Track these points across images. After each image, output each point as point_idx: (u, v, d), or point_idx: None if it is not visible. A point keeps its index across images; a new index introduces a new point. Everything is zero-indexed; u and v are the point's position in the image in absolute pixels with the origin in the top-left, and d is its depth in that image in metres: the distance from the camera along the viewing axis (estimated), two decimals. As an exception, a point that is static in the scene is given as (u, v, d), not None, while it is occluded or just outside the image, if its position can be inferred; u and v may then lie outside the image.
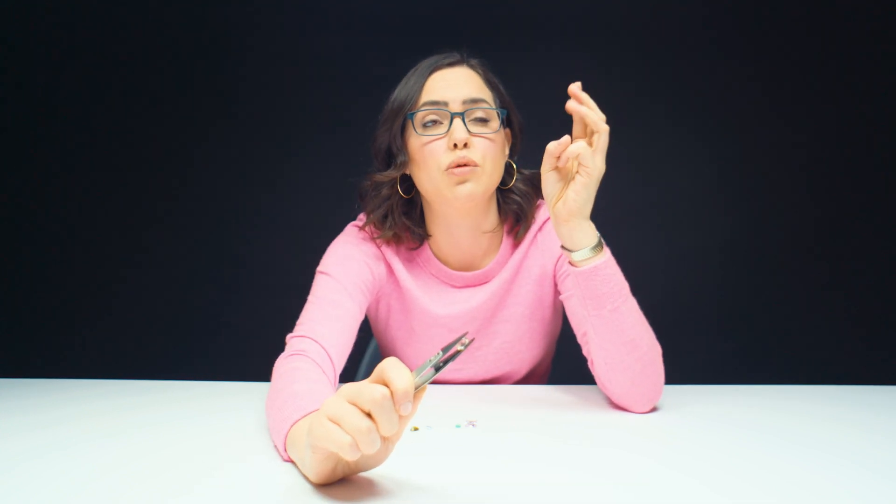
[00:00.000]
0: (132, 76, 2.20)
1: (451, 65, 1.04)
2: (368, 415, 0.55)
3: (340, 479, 0.65)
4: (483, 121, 1.00)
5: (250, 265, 2.22)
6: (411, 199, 1.09)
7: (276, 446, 0.75)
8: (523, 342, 1.14)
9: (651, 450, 0.76)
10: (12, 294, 2.25)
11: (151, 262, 2.23)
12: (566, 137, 0.85)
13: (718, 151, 2.19)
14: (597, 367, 0.94)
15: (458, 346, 0.58)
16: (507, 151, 1.08)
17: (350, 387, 0.58)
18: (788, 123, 2.16)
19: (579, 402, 0.99)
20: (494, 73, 1.08)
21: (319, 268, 1.05)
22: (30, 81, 2.20)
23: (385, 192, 1.06)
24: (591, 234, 0.88)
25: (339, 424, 0.56)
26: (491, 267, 1.10)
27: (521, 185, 1.09)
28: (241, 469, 0.70)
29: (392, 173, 1.04)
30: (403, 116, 1.02)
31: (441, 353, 0.57)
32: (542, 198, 1.13)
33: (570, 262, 0.89)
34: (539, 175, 1.04)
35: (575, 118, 0.86)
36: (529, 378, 1.20)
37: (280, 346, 0.94)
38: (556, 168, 0.87)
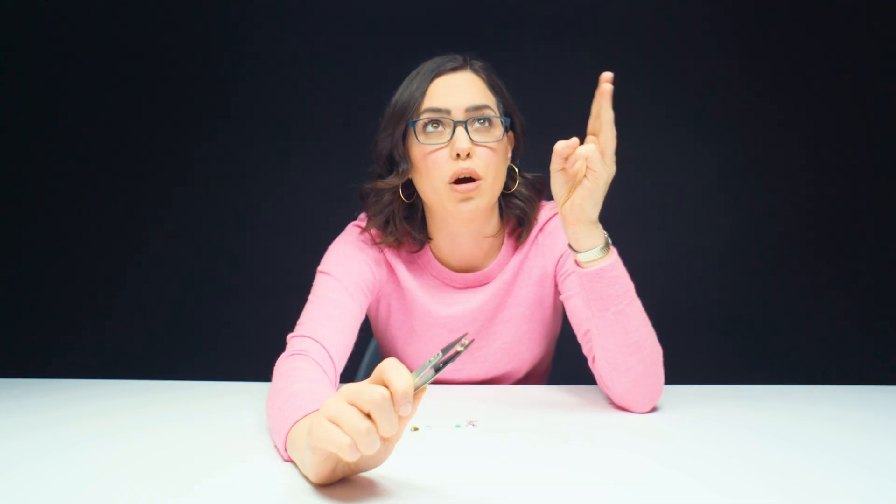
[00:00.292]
0: (132, 76, 2.20)
1: (453, 69, 1.01)
2: (368, 415, 0.55)
3: (340, 480, 0.65)
4: (487, 128, 0.99)
5: (250, 265, 2.22)
6: (412, 203, 1.08)
7: (276, 446, 0.75)
8: (523, 342, 1.14)
9: (651, 450, 0.76)
10: (12, 294, 2.25)
11: (151, 262, 2.23)
12: (574, 139, 0.82)
13: (718, 151, 2.19)
14: (599, 367, 0.94)
15: (458, 347, 0.58)
16: (509, 155, 1.06)
17: (350, 387, 0.57)
18: (788, 123, 2.16)
19: (579, 402, 0.99)
20: (497, 76, 1.06)
21: (320, 267, 1.05)
22: (30, 81, 2.20)
23: (387, 197, 1.06)
24: (597, 236, 0.87)
25: (338, 425, 0.56)
26: (491, 268, 1.10)
27: (523, 190, 1.09)
28: (241, 469, 0.70)
29: (394, 181, 1.03)
30: (405, 123, 1.00)
31: (441, 353, 0.57)
32: (544, 200, 1.13)
33: (576, 262, 0.89)
34: (541, 178, 1.05)
35: (594, 112, 0.82)
36: (529, 378, 1.20)
37: (280, 346, 0.94)
38: (564, 169, 0.85)
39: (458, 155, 0.96)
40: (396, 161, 1.03)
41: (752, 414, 0.93)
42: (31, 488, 0.65)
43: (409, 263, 1.11)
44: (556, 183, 0.86)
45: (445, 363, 0.57)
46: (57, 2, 2.17)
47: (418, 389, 0.57)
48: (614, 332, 0.89)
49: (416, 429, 0.84)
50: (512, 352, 1.14)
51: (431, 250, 1.11)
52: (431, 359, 0.57)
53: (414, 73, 1.03)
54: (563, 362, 1.31)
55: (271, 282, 2.15)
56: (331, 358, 0.92)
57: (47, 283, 2.24)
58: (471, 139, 0.96)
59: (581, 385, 1.08)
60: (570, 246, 0.89)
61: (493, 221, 1.09)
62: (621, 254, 0.91)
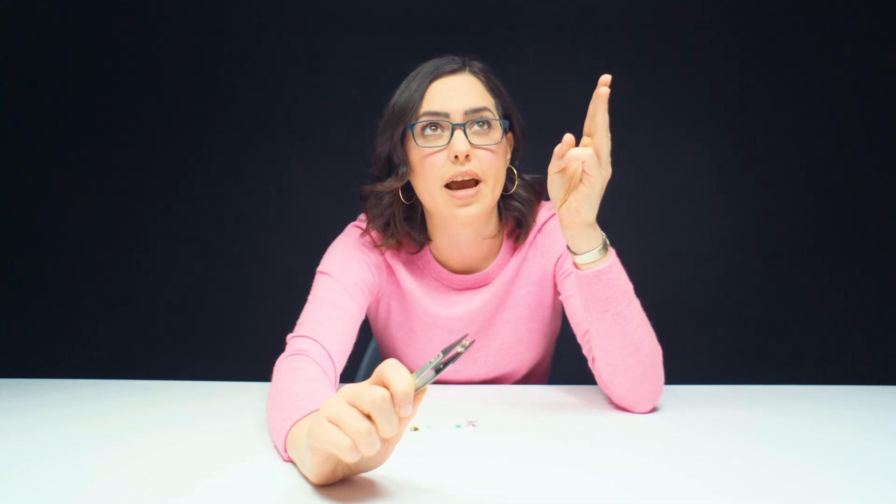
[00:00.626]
0: (132, 77, 2.20)
1: (452, 72, 1.00)
2: (368, 416, 0.55)
3: (340, 480, 0.65)
4: (486, 130, 0.98)
5: (250, 265, 2.22)
6: (412, 204, 1.08)
7: (276, 446, 0.75)
8: (523, 343, 1.14)
9: (651, 450, 0.76)
10: (12, 294, 2.25)
11: (152, 262, 2.23)
12: (569, 136, 0.81)
13: (718, 151, 2.19)
14: (598, 367, 0.94)
15: (459, 348, 0.58)
16: (508, 157, 1.06)
17: (350, 388, 0.57)
18: (789, 123, 2.16)
19: (579, 402, 0.99)
20: (497, 77, 1.05)
21: (320, 268, 1.05)
22: (30, 82, 2.20)
23: (386, 200, 1.05)
24: (595, 238, 0.87)
25: (338, 426, 0.56)
26: (491, 269, 1.10)
27: (522, 192, 1.08)
28: (241, 469, 0.70)
29: (393, 184, 1.02)
30: (404, 126, 0.99)
31: (441, 354, 0.57)
32: (543, 200, 1.13)
33: (574, 264, 0.89)
34: (540, 179, 1.05)
35: (590, 113, 0.81)
36: (529, 377, 1.20)
37: (280, 346, 0.94)
38: (562, 171, 0.84)
39: (456, 157, 0.95)
40: (395, 164, 1.02)
41: (752, 414, 0.93)
42: (31, 488, 0.65)
43: (409, 265, 1.11)
44: (553, 185, 0.86)
45: (446, 364, 0.57)
46: (57, 2, 2.17)
47: (419, 390, 0.57)
48: (613, 334, 0.89)
49: (416, 429, 0.84)
50: (511, 352, 1.14)
51: (431, 252, 1.11)
52: (432, 360, 0.57)
53: (412, 75, 1.03)
54: (563, 362, 1.31)
55: (271, 282, 2.15)
56: (330, 358, 0.92)
57: (47, 283, 2.24)
58: (469, 142, 0.96)
59: (581, 385, 1.08)
60: (568, 248, 0.89)
61: (492, 223, 1.09)
62: (622, 254, 0.91)
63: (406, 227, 1.07)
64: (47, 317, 2.25)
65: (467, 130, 0.96)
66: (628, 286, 0.89)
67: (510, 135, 1.06)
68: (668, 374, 0.95)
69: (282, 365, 0.88)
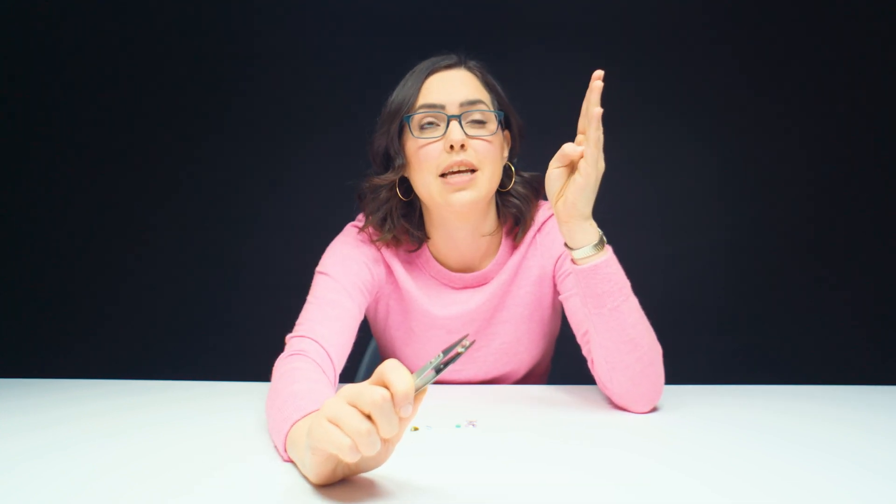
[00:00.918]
0: (131, 77, 2.20)
1: (448, 67, 1.03)
2: (368, 417, 0.55)
3: (340, 480, 0.65)
4: (481, 123, 1.00)
5: (250, 265, 2.22)
6: (410, 201, 1.09)
7: (276, 446, 0.75)
8: (522, 343, 1.14)
9: (651, 450, 0.76)
10: (12, 294, 2.25)
11: (151, 262, 2.23)
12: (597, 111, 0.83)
13: (718, 151, 2.19)
14: (597, 366, 0.94)
15: (459, 349, 0.58)
16: (506, 154, 1.07)
17: (350, 388, 0.57)
18: (789, 123, 2.16)
19: (579, 402, 0.99)
20: (493, 76, 1.07)
21: (319, 268, 1.05)
22: (30, 82, 2.20)
23: (384, 194, 1.06)
24: (591, 233, 0.88)
25: (338, 426, 0.56)
26: (490, 268, 1.10)
27: (520, 188, 1.09)
28: (241, 469, 0.70)
29: (390, 176, 1.04)
30: (400, 119, 1.01)
31: (441, 355, 0.57)
32: (541, 199, 1.13)
33: (571, 260, 0.90)
34: (538, 177, 1.05)
35: (584, 110, 0.84)
36: (529, 378, 1.20)
37: (280, 346, 0.94)
38: (563, 167, 0.86)
39: (451, 147, 0.96)
40: (392, 157, 1.04)
41: (752, 414, 0.93)
42: (31, 488, 0.65)
43: (407, 264, 1.11)
44: (552, 180, 0.87)
45: (446, 364, 0.57)
46: (57, 2, 2.17)
47: (419, 391, 0.57)
48: (611, 329, 0.89)
49: (416, 429, 0.84)
50: (511, 352, 1.14)
51: (429, 250, 1.11)
52: (432, 360, 0.57)
53: (409, 73, 1.05)
54: (563, 362, 1.30)
55: (271, 282, 2.15)
56: (330, 358, 0.92)
57: (47, 283, 2.24)
58: (465, 132, 0.97)
59: (581, 385, 1.08)
60: (566, 244, 0.90)
61: (490, 219, 1.09)
62: (623, 254, 0.91)
63: (404, 224, 1.07)
64: (47, 317, 2.25)
65: (463, 122, 0.98)
66: (625, 283, 0.90)
67: (507, 132, 1.07)
68: (668, 374, 0.95)
69: (281, 365, 0.88)
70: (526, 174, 1.10)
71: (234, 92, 2.21)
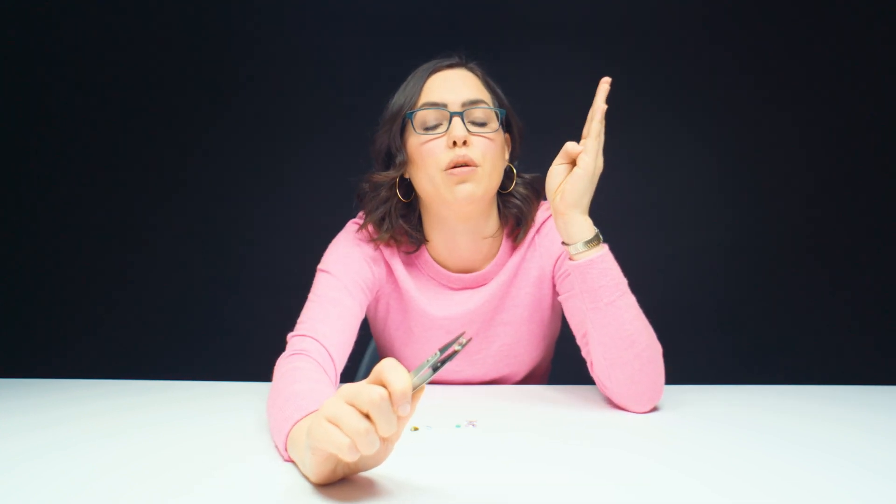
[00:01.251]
0: (131, 76, 2.20)
1: (450, 66, 1.05)
2: (367, 416, 0.55)
3: (340, 480, 0.65)
4: (482, 122, 1.01)
5: (250, 265, 2.22)
6: (410, 203, 1.09)
7: (276, 446, 0.75)
8: (522, 344, 1.14)
9: (651, 450, 0.76)
10: (12, 294, 2.25)
11: (151, 262, 2.23)
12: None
13: (718, 151, 2.19)
14: (596, 365, 0.94)
15: (456, 346, 0.57)
16: (506, 155, 1.08)
17: (348, 388, 0.58)
18: (789, 123, 2.16)
19: (579, 402, 0.99)
20: (493, 78, 1.08)
21: (320, 266, 1.05)
22: (30, 82, 2.20)
23: (384, 193, 1.06)
24: (586, 228, 0.90)
25: (337, 426, 0.56)
26: (489, 269, 1.10)
27: (521, 189, 1.09)
28: (241, 469, 0.70)
29: (391, 174, 1.04)
30: (403, 117, 1.02)
31: (439, 353, 0.57)
32: (542, 200, 1.13)
33: (568, 256, 0.92)
34: (539, 178, 1.07)
35: (591, 114, 0.89)
36: (529, 379, 1.20)
37: (280, 346, 0.93)
38: (566, 164, 0.90)
39: (454, 143, 0.97)
40: (393, 154, 1.04)
41: (752, 414, 0.93)
42: (31, 488, 0.65)
43: (407, 264, 1.11)
44: (553, 175, 0.91)
45: (443, 362, 0.57)
46: (57, 2, 2.17)
47: (416, 389, 0.57)
48: (607, 325, 0.90)
49: (416, 429, 0.84)
50: (511, 354, 1.14)
51: (428, 251, 1.11)
52: (430, 358, 0.57)
53: (411, 75, 1.06)
54: (563, 363, 1.30)
55: (271, 282, 2.15)
56: (331, 357, 0.92)
57: (47, 283, 2.24)
58: (467, 129, 0.98)
59: (581, 385, 1.08)
60: (563, 242, 0.92)
61: (492, 221, 1.09)
62: (623, 254, 0.92)
63: (402, 225, 1.07)
64: (47, 317, 2.25)
65: (465, 119, 0.99)
66: (621, 280, 0.91)
67: (507, 135, 1.08)
68: (668, 374, 0.95)
69: (282, 364, 0.88)
70: (527, 175, 1.11)
71: (234, 92, 2.21)
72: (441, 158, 0.98)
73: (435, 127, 1.00)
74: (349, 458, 0.55)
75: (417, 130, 1.01)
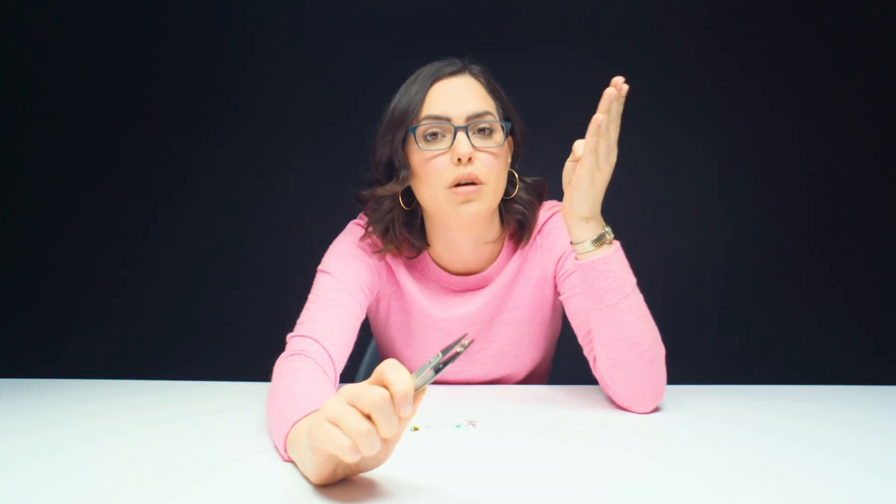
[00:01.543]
0: (131, 76, 2.20)
1: (452, 74, 1.00)
2: (368, 417, 0.55)
3: (341, 480, 0.65)
4: (488, 133, 0.98)
5: (250, 265, 2.22)
6: (412, 210, 1.07)
7: (276, 447, 0.75)
8: (522, 345, 1.14)
9: (651, 450, 0.77)
10: (12, 294, 2.25)
11: (151, 262, 2.23)
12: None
13: (718, 151, 2.19)
14: (599, 365, 0.94)
15: (458, 348, 0.57)
16: (509, 161, 1.05)
17: (349, 388, 0.57)
18: (789, 123, 2.16)
19: (579, 402, 0.99)
20: (496, 80, 1.04)
21: (321, 266, 1.05)
22: (30, 82, 2.20)
23: (387, 205, 1.04)
24: (591, 231, 0.89)
25: (338, 426, 0.56)
26: (490, 271, 1.10)
27: (523, 195, 1.08)
28: (241, 469, 0.70)
29: (395, 188, 1.02)
30: (405, 130, 0.99)
31: (441, 354, 0.57)
32: (544, 202, 1.13)
33: (575, 255, 0.92)
34: (541, 182, 1.07)
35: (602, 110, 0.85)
36: (529, 379, 1.20)
37: (280, 346, 0.93)
38: (574, 161, 0.89)
39: (458, 160, 0.95)
40: (396, 168, 1.01)
41: (752, 414, 0.93)
42: (31, 488, 0.65)
43: (409, 266, 1.11)
44: (565, 171, 0.90)
45: (445, 364, 0.57)
46: (57, 1, 2.17)
47: (418, 390, 0.57)
48: (610, 326, 0.90)
49: (416, 429, 0.84)
50: (511, 354, 1.14)
51: (430, 255, 1.10)
52: (431, 359, 0.57)
53: (412, 78, 1.02)
54: (563, 363, 1.30)
55: (271, 282, 2.15)
56: (331, 358, 0.92)
57: (47, 283, 2.24)
58: (472, 144, 0.96)
59: (581, 385, 1.08)
60: (570, 241, 0.92)
61: (494, 227, 1.08)
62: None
63: (405, 233, 1.06)
64: (47, 317, 2.25)
65: (469, 133, 0.96)
66: (627, 281, 0.90)
67: (510, 138, 1.06)
68: (669, 374, 0.95)
69: (281, 365, 0.88)
70: (529, 179, 1.09)
71: (234, 92, 2.21)
72: (445, 176, 0.96)
73: (438, 140, 0.97)
74: (350, 458, 0.55)
75: (420, 145, 0.98)
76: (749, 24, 2.15)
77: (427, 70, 1.01)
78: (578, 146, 0.87)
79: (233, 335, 2.20)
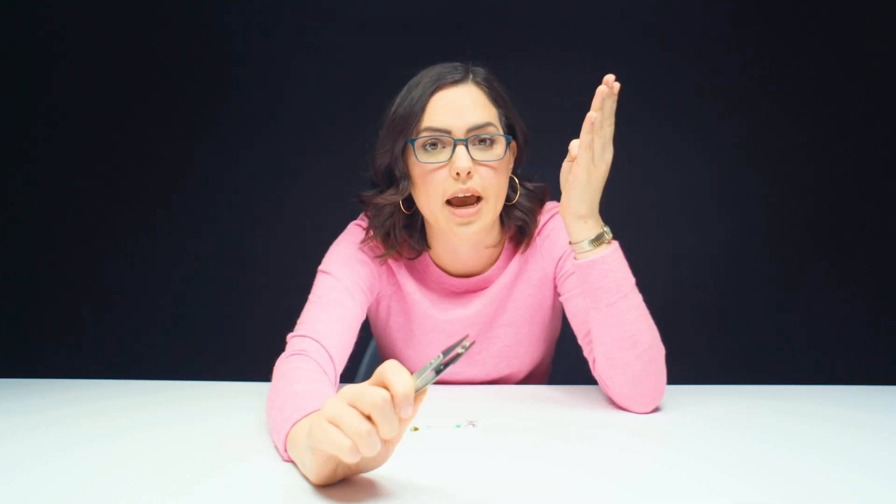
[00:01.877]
0: (131, 77, 2.20)
1: (454, 82, 0.97)
2: (368, 417, 0.55)
3: (341, 480, 0.65)
4: (489, 145, 0.96)
5: (250, 265, 2.22)
6: (412, 213, 1.06)
7: (276, 447, 0.75)
8: (523, 346, 1.14)
9: (651, 450, 0.77)
10: (12, 294, 2.25)
11: (151, 263, 2.23)
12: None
13: (718, 151, 2.19)
14: (598, 364, 0.94)
15: (459, 349, 0.57)
16: (511, 167, 1.04)
17: (350, 389, 0.57)
18: (789, 123, 2.16)
19: (579, 402, 0.99)
20: (500, 85, 1.02)
21: (321, 267, 1.05)
22: (30, 82, 2.20)
23: (387, 211, 1.04)
24: (588, 230, 0.90)
25: (338, 427, 0.56)
26: (491, 272, 1.10)
27: (525, 201, 1.07)
28: (241, 469, 0.70)
29: (395, 197, 1.01)
30: (405, 140, 0.97)
31: (442, 355, 0.57)
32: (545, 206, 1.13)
33: (574, 255, 0.92)
34: (543, 188, 1.07)
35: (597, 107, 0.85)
36: (530, 379, 1.20)
37: (280, 346, 0.93)
38: (571, 161, 0.89)
39: (458, 174, 0.94)
40: (396, 177, 1.01)
41: (752, 414, 0.93)
42: (31, 488, 0.65)
43: (409, 267, 1.11)
44: (562, 171, 0.91)
45: (446, 365, 0.57)
46: (57, 1, 2.17)
47: (419, 391, 0.57)
48: (609, 325, 0.90)
49: (416, 429, 0.84)
50: (511, 355, 1.14)
51: (430, 257, 1.10)
52: (432, 360, 0.57)
53: (414, 81, 1.00)
54: (563, 363, 1.30)
55: (271, 282, 2.15)
56: (331, 358, 0.92)
57: (47, 283, 2.24)
58: (472, 158, 0.94)
59: (581, 385, 1.08)
60: (569, 241, 0.93)
61: (494, 233, 1.08)
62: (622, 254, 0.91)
63: (405, 237, 1.06)
64: (47, 317, 2.25)
65: (469, 146, 0.95)
66: (626, 280, 0.90)
67: (513, 143, 1.04)
68: (669, 373, 0.95)
69: (282, 365, 0.88)
70: (531, 185, 1.08)
71: (234, 92, 2.21)
72: (444, 189, 0.95)
73: (438, 151, 0.96)
74: (350, 459, 0.55)
75: (419, 157, 0.96)
76: (749, 24, 2.14)
77: (429, 76, 0.99)
78: (574, 146, 0.88)
79: (233, 335, 2.20)
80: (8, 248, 2.24)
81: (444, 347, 1.08)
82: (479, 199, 0.96)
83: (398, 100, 1.00)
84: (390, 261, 1.09)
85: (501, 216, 1.08)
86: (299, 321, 0.97)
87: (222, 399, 1.03)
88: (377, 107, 1.06)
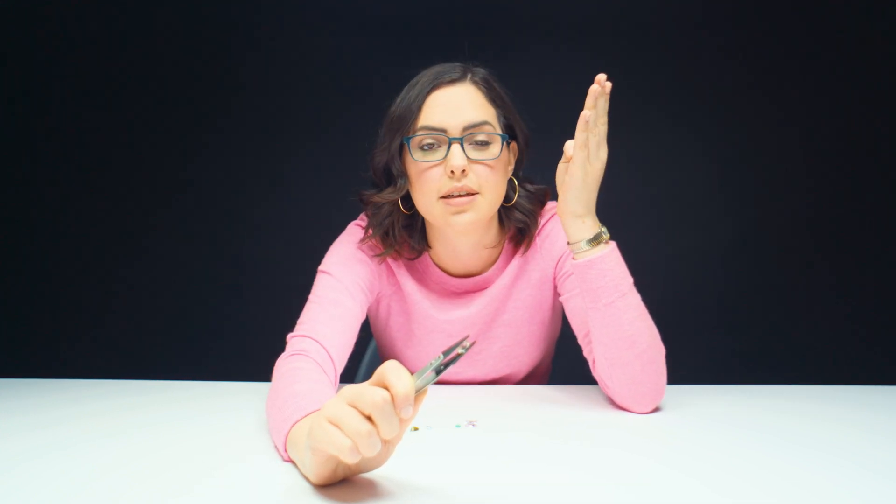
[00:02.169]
0: (132, 76, 2.20)
1: (452, 81, 0.97)
2: (369, 418, 0.55)
3: (341, 480, 0.65)
4: (484, 144, 0.96)
5: (250, 265, 2.22)
6: (412, 213, 1.06)
7: (276, 447, 0.75)
8: (522, 346, 1.14)
9: (651, 450, 0.77)
10: (12, 294, 2.25)
11: (151, 263, 2.23)
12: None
13: (718, 151, 2.19)
14: (598, 365, 0.94)
15: (459, 350, 0.57)
16: (510, 168, 1.05)
17: (350, 389, 0.57)
18: (789, 123, 2.16)
19: (579, 402, 0.99)
20: (500, 85, 1.02)
21: (321, 267, 1.05)
22: (30, 82, 2.20)
23: (386, 209, 1.04)
24: (586, 230, 0.90)
25: (339, 427, 0.56)
26: (490, 273, 1.10)
27: (525, 203, 1.07)
28: (241, 469, 0.70)
29: (392, 196, 1.01)
30: (401, 138, 0.98)
31: (442, 356, 0.57)
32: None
33: (572, 255, 0.92)
34: (544, 190, 1.07)
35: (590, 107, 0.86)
36: (529, 379, 1.20)
37: (280, 346, 0.93)
38: (567, 162, 0.89)
39: (452, 172, 0.94)
40: (394, 175, 1.01)
41: (752, 414, 0.93)
42: (31, 488, 0.65)
43: (409, 268, 1.11)
44: (558, 172, 0.91)
45: (447, 365, 0.57)
46: (57, 1, 2.17)
47: (419, 392, 0.57)
48: (608, 325, 0.90)
49: (416, 429, 0.84)
50: (511, 355, 1.14)
51: (430, 257, 1.10)
52: (433, 361, 0.57)
53: (413, 81, 1.00)
54: (563, 363, 1.30)
55: (271, 282, 2.15)
56: (331, 358, 0.92)
57: (47, 283, 2.24)
58: (467, 156, 0.95)
59: (581, 385, 1.08)
60: (567, 241, 0.93)
61: (493, 233, 1.08)
62: (622, 254, 0.91)
63: (405, 236, 1.06)
64: (47, 317, 2.25)
65: (465, 144, 0.95)
66: (624, 280, 0.91)
67: (513, 144, 1.04)
68: (668, 373, 0.95)
69: (282, 365, 0.88)
70: (531, 187, 1.08)
71: (234, 92, 2.21)
72: (439, 187, 0.96)
73: (434, 150, 0.96)
74: (350, 459, 0.55)
75: (415, 156, 0.97)
76: (749, 24, 2.15)
77: (428, 76, 0.99)
78: (569, 146, 0.88)
79: (233, 335, 2.20)
80: (8, 248, 2.24)
81: (444, 348, 1.08)
82: (474, 194, 0.97)
83: (398, 99, 1.01)
84: (390, 261, 1.09)
85: (501, 217, 1.08)
86: (299, 321, 0.97)
87: (222, 399, 1.03)
88: (377, 107, 1.06)
